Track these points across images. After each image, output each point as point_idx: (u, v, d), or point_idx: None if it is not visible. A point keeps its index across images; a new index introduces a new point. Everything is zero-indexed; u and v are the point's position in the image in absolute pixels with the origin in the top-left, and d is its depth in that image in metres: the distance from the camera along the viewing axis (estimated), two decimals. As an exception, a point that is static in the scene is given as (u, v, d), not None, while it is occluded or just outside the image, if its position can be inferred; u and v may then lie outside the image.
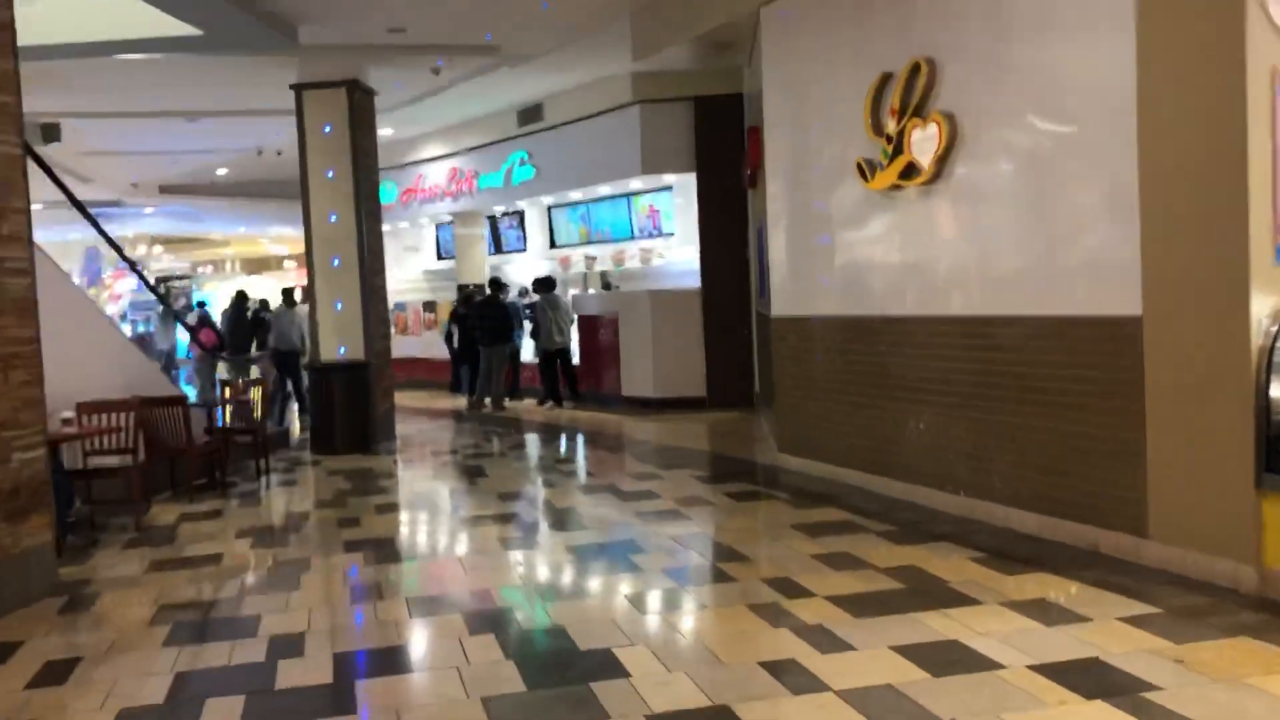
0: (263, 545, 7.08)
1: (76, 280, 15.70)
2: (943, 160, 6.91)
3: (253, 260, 39.86)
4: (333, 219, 11.74)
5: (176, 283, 45.95)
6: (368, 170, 12.00)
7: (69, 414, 7.45)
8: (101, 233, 10.14)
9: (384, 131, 17.54)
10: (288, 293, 15.30)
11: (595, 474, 9.11)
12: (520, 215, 18.73)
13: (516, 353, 15.73)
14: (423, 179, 18.63)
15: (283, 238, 34.37)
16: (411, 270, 21.30)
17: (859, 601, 5.14)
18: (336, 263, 11.77)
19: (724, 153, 13.52)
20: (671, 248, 15.95)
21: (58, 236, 34.21)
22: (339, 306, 11.77)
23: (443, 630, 5.07)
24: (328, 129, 11.71)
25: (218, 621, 5.42)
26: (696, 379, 13.69)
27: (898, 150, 7.24)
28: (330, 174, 11.71)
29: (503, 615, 5.24)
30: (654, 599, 5.43)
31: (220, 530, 7.55)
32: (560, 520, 7.45)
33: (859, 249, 7.91)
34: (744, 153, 11.63)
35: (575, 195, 16.51)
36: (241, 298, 17.29)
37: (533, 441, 11.80)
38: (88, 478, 7.83)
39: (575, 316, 15.21)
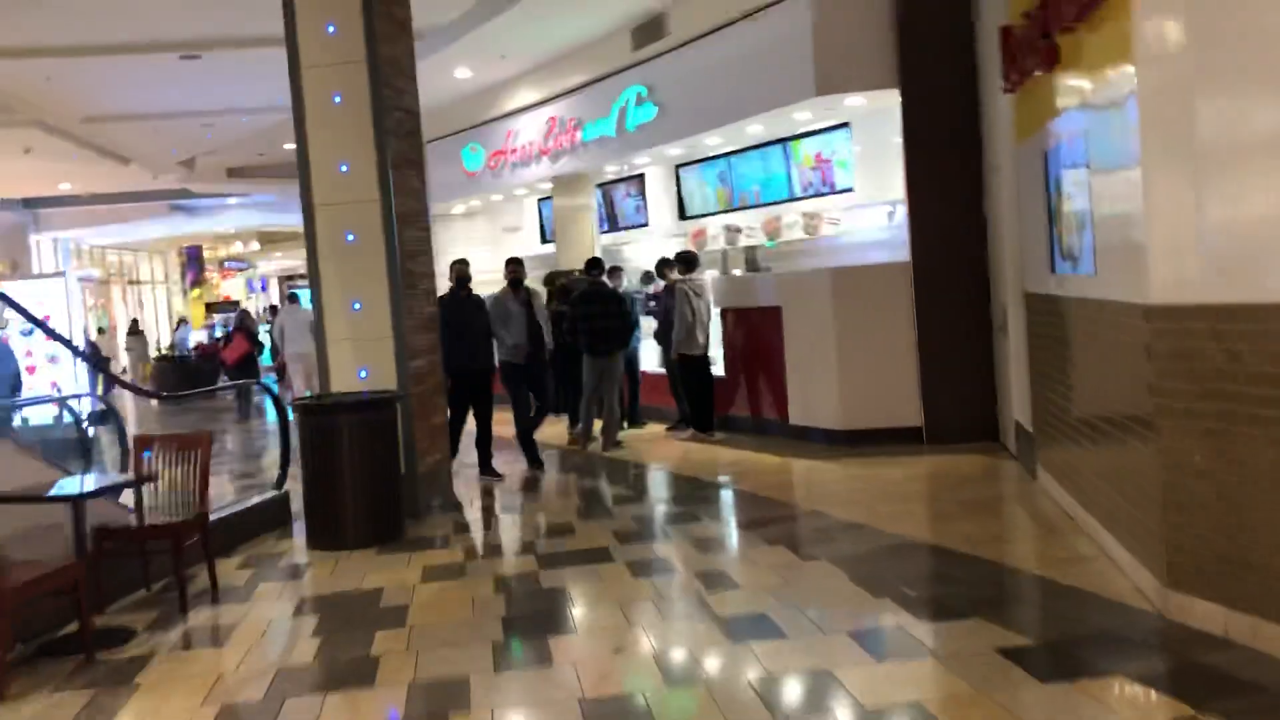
0: None
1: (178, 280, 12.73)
2: None
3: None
4: (343, 169, 7.53)
5: (299, 282, 43.36)
6: (398, 93, 7.74)
7: None
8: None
9: (461, 74, 13.41)
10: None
11: (784, 631, 4.60)
12: (640, 179, 14.36)
13: (634, 360, 11.31)
14: (514, 136, 14.40)
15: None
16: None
17: None
18: (351, 238, 7.55)
19: (945, 54, 8.85)
20: (850, 210, 11.34)
21: (146, 234, 31.64)
22: (356, 307, 7.56)
23: None
24: (332, 29, 7.49)
25: None
26: (906, 400, 9.04)
27: None
28: (337, 99, 7.50)
29: None
30: None
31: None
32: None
33: None
34: (1013, 37, 6.89)
35: (711, 142, 11.99)
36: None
37: (659, 519, 7.28)
38: None
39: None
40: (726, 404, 10.67)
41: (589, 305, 10.05)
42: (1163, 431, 4.31)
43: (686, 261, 10.20)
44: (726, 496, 7.77)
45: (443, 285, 8.85)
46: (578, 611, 5.14)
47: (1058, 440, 6.48)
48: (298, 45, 7.46)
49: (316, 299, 7.61)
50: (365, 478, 6.85)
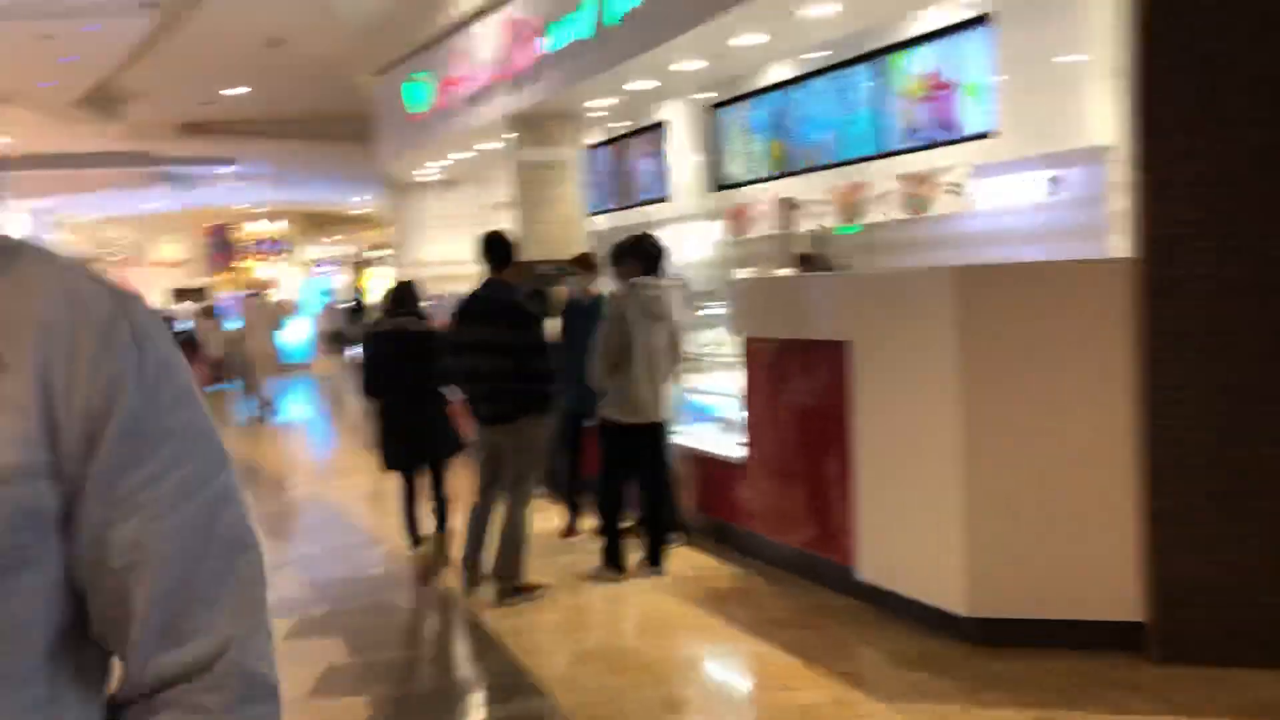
0: None
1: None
2: None
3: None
4: None
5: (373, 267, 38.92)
6: None
7: None
8: None
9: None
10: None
11: None
12: (657, 130, 9.59)
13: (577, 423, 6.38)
14: (466, 57, 9.67)
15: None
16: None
17: None
18: None
19: None
20: (991, 167, 6.43)
21: (137, 207, 27.71)
22: None
23: None
24: None
25: None
26: (1111, 561, 4.01)
27: None
28: None
29: None
30: None
31: None
32: None
33: None
34: None
35: (748, 45, 7.07)
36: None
37: None
38: None
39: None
40: (733, 509, 5.78)
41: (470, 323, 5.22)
42: None
43: (645, 255, 5.34)
44: None
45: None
46: None
47: None
48: None
49: None
50: None
